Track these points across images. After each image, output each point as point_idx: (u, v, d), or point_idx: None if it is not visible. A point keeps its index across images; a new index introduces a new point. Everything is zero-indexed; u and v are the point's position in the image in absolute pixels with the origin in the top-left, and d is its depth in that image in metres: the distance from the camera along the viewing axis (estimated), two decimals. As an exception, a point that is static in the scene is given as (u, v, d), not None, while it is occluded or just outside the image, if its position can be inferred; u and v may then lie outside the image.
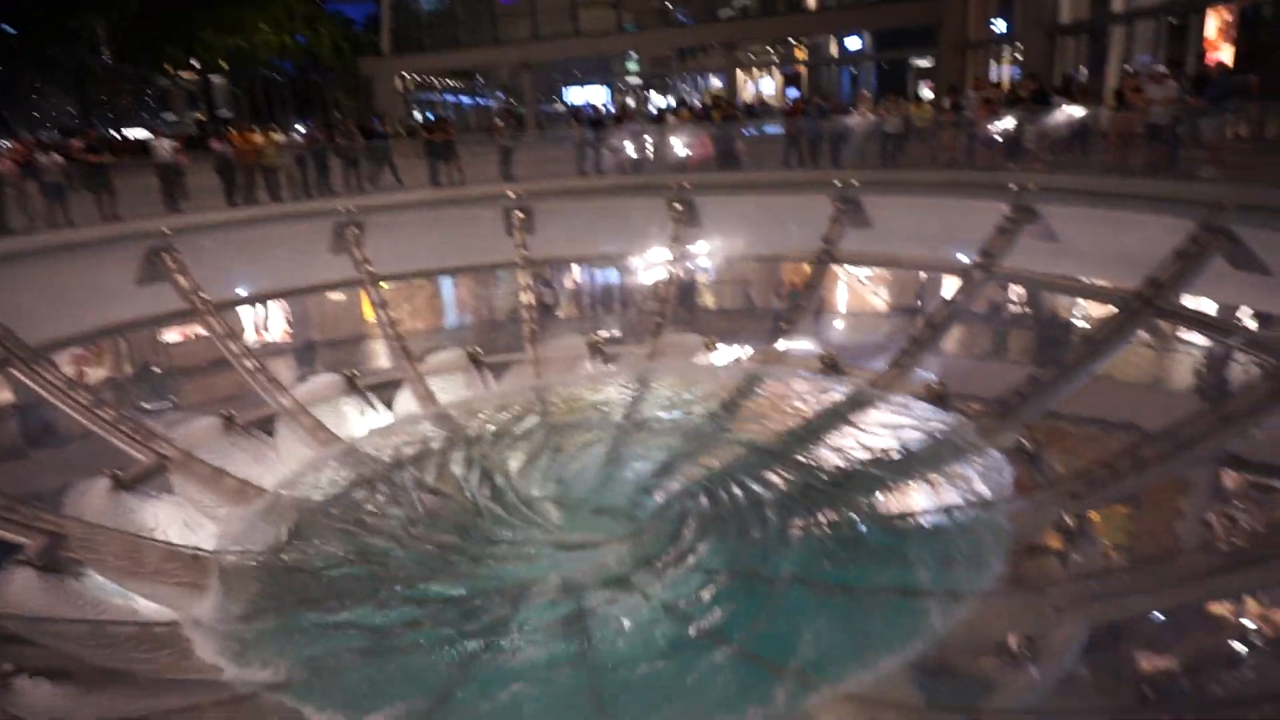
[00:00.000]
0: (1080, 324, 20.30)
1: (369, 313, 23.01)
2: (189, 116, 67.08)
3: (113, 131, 55.90)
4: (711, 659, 9.91)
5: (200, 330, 19.50)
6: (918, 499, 13.24)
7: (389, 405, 19.12)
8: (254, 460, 16.20)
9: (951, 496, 13.04)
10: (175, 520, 13.91)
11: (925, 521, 12.56)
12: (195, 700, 9.43)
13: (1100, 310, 17.34)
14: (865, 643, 9.87)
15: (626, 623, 10.80)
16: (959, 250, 19.02)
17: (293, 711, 9.30)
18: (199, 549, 13.04)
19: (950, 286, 19.43)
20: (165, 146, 20.11)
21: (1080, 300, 20.10)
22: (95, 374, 19.99)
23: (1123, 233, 16.09)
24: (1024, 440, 13.69)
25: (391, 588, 12.16)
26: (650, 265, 23.14)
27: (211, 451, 15.78)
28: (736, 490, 14.14)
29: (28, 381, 14.96)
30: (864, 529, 12.60)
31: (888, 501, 13.33)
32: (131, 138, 46.93)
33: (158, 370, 21.12)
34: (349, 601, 11.81)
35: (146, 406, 19.05)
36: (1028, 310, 22.48)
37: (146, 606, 11.63)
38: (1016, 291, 22.83)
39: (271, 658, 10.50)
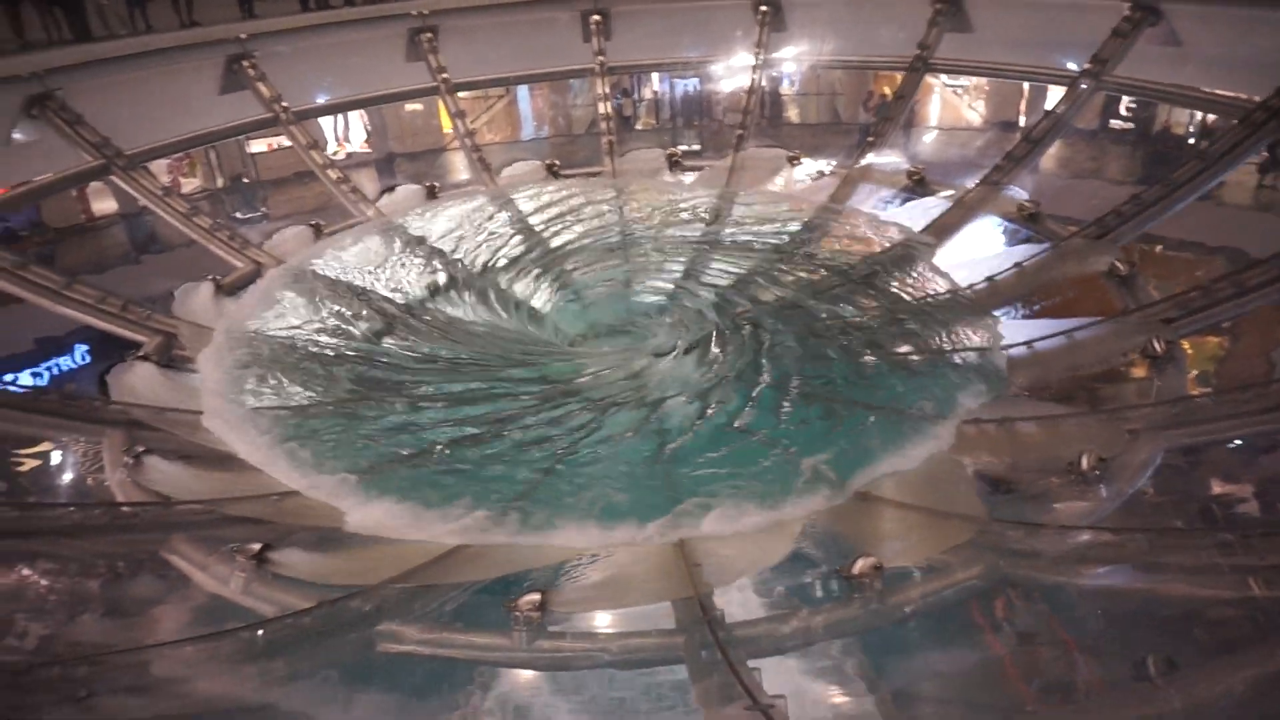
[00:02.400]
0: (1194, 140, 18.89)
1: (446, 124, 22.81)
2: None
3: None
4: (774, 459, 10.37)
5: (284, 141, 19.74)
6: (974, 334, 13.09)
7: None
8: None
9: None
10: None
11: (969, 357, 12.48)
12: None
13: (1219, 124, 16.05)
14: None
15: (695, 424, 11.33)
16: (1067, 58, 17.58)
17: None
18: (294, 346, 13.77)
19: (1054, 98, 18.14)
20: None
21: (1197, 114, 18.58)
22: (189, 184, 20.59)
23: (1256, 35, 14.58)
24: (1118, 262, 13.13)
25: (480, 389, 12.79)
26: (733, 72, 22.08)
27: (303, 259, 16.37)
28: (808, 310, 14.20)
29: (129, 189, 15.54)
30: (921, 357, 12.62)
31: (949, 332, 13.20)
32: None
33: (247, 181, 21.60)
34: (439, 401, 12.50)
35: (239, 216, 19.67)
36: (1137, 124, 20.91)
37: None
38: (1127, 104, 21.20)
39: (385, 451, 11.25)
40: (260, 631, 7.29)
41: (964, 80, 24.40)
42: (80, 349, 13.66)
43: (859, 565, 7.50)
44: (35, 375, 13.12)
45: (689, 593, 7.48)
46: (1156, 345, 10.82)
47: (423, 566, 8.44)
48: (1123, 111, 21.23)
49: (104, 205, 18.35)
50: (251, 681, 6.89)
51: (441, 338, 14.32)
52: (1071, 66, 17.24)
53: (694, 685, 6.41)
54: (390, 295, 15.52)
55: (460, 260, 16.90)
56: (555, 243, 17.70)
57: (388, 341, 14.08)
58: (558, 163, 20.77)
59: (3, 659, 6.85)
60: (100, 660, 6.58)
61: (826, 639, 7.11)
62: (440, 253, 17.24)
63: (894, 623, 7.50)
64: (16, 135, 14.79)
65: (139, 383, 11.86)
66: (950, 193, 17.38)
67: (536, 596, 7.38)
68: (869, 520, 9.09)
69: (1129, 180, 18.96)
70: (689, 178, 20.45)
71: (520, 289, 16.00)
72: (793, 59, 21.91)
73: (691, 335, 13.74)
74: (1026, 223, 15.64)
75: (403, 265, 16.73)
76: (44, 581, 8.51)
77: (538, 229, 18.25)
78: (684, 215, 18.68)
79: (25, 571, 8.54)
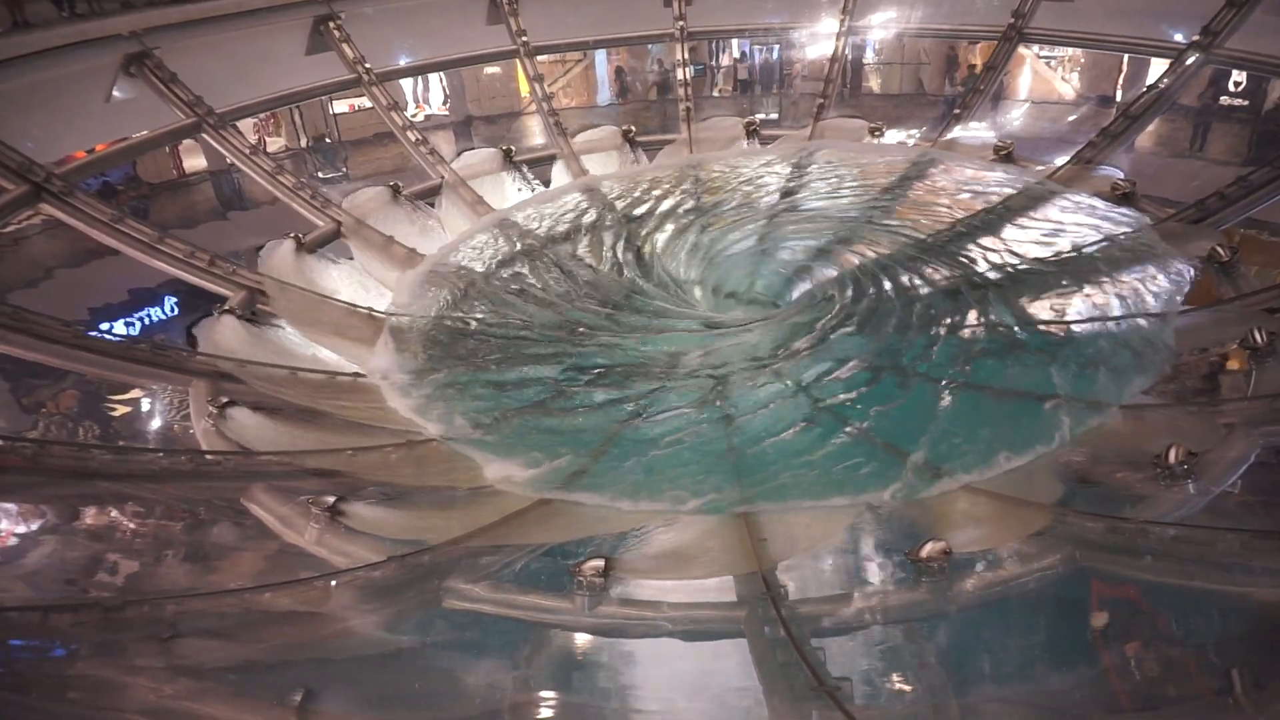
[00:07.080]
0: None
1: (524, 87, 22.82)
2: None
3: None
4: (842, 439, 10.11)
5: (364, 103, 20.01)
6: (1079, 305, 12.53)
7: (544, 180, 19.40)
8: (418, 229, 17.01)
9: (1117, 305, 12.28)
10: (350, 282, 15.01)
11: (1082, 329, 11.94)
12: (379, 442, 10.54)
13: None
14: (996, 442, 9.69)
15: (764, 399, 11.10)
16: (1174, 29, 16.64)
17: (466, 459, 10.25)
18: (373, 309, 14.06)
19: (1157, 71, 17.22)
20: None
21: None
22: (273, 143, 21.08)
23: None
24: (1218, 248, 12.45)
25: (546, 354, 12.87)
26: (816, 39, 21.54)
27: (380, 220, 16.64)
28: (888, 282, 13.82)
29: (219, 147, 15.96)
30: (1016, 330, 12.11)
31: (1046, 304, 12.71)
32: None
33: (329, 141, 22.01)
34: (507, 365, 12.63)
35: (321, 175, 20.08)
36: (1248, 101, 19.73)
37: (329, 358, 12.86)
38: (1236, 79, 20.02)
39: (441, 411, 11.47)
40: (333, 582, 7.51)
41: (1058, 51, 23.42)
42: (169, 300, 14.19)
43: (927, 549, 7.34)
44: (128, 324, 13.70)
45: (753, 567, 7.44)
46: (1257, 336, 10.24)
47: (490, 527, 8.57)
48: (1232, 86, 20.08)
49: (194, 162, 18.93)
50: (321, 631, 7.11)
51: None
52: (1178, 38, 16.33)
53: (755, 662, 6.39)
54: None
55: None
56: (630, 211, 17.66)
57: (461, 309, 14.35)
58: (633, 128, 20.61)
59: (96, 595, 7.21)
60: (184, 601, 6.86)
61: (892, 622, 7.01)
62: (516, 225, 17.40)
63: (962, 609, 7.34)
64: (115, 93, 15.26)
65: (225, 336, 12.24)
66: (1040, 169, 16.71)
67: (600, 562, 7.43)
68: (939, 504, 8.87)
69: (1235, 160, 17.95)
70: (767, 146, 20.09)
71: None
72: (880, 26, 21.24)
73: (775, 323, 13.44)
74: (1120, 202, 14.96)
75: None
76: (131, 523, 8.91)
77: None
78: (760, 184, 18.41)
79: (115, 513, 8.95)
